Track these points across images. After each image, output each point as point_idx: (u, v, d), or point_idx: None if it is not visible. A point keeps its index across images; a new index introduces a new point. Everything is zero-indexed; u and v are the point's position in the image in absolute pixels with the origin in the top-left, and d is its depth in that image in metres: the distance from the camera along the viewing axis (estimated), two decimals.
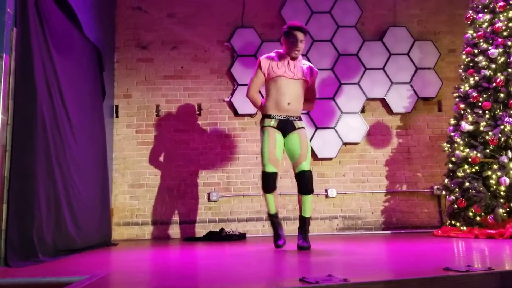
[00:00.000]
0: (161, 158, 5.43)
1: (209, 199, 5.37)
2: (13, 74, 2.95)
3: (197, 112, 5.57)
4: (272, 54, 3.86)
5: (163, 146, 5.46)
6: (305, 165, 3.68)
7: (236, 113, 5.56)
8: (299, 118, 3.81)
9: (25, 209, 2.89)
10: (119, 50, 5.61)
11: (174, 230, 5.28)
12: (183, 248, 3.95)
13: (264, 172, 3.65)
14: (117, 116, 5.49)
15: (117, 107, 5.51)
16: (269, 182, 3.65)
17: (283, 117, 3.71)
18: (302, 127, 3.81)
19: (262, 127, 3.75)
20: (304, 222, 3.70)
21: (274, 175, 3.65)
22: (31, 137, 3.01)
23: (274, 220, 3.73)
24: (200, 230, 5.26)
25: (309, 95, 3.97)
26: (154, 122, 5.51)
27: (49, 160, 3.21)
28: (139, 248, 4.15)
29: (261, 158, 3.70)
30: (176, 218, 5.31)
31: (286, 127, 3.72)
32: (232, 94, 5.56)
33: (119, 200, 5.32)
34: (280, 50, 3.87)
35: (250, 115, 5.55)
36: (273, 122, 3.70)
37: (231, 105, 5.58)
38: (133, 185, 5.37)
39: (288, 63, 3.77)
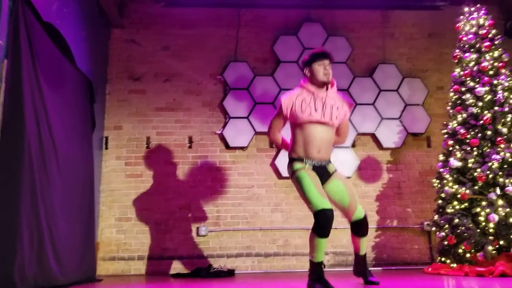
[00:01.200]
0: (150, 191, 5.38)
1: (197, 234, 5.30)
2: (1, 106, 2.94)
3: (188, 145, 5.56)
4: (296, 91, 3.45)
5: (152, 179, 5.42)
6: (361, 212, 3.39)
7: (227, 146, 5.56)
8: (330, 161, 3.43)
9: (7, 245, 2.83)
10: (111, 82, 5.64)
11: (161, 266, 5.18)
12: (168, 286, 3.87)
13: (323, 210, 3.05)
14: (106, 148, 5.47)
15: (106, 138, 5.49)
16: (328, 220, 3.05)
17: (316, 163, 3.32)
18: (336, 170, 3.44)
19: (295, 171, 3.29)
20: (364, 260, 3.53)
21: (332, 213, 3.08)
22: (18, 171, 2.98)
23: (321, 270, 3.16)
24: (188, 266, 5.17)
25: (340, 130, 3.59)
26: (144, 154, 5.49)
27: (34, 195, 3.16)
28: (123, 285, 4.06)
29: (309, 201, 3.15)
30: (163, 253, 5.22)
31: (321, 172, 3.32)
32: (223, 127, 5.58)
33: (105, 234, 5.24)
34: (304, 84, 3.48)
35: (242, 148, 5.56)
36: (307, 166, 3.29)
37: (222, 138, 5.58)
38: (120, 218, 5.30)
39: (315, 100, 3.35)
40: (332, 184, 3.35)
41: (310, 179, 3.20)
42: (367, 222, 3.44)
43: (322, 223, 3.06)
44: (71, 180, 3.97)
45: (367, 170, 5.64)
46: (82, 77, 4.56)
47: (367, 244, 5.29)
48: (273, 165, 5.53)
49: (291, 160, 3.38)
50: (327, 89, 3.44)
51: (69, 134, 3.99)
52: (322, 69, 3.40)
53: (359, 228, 3.42)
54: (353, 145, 5.67)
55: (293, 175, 3.32)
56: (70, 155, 3.98)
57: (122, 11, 5.72)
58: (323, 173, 3.34)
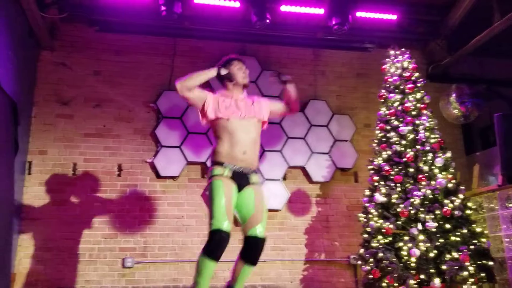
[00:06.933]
0: (74, 220, 5.12)
1: (123, 265, 5.09)
2: None
3: (117, 173, 5.39)
4: (215, 95, 3.38)
5: (77, 207, 5.17)
6: (260, 230, 3.07)
7: (158, 175, 5.44)
8: (256, 171, 3.25)
9: None
10: (37, 105, 5.39)
11: None
12: None
13: (218, 230, 2.89)
14: (29, 173, 5.17)
15: (30, 163, 5.20)
16: (222, 244, 2.90)
17: (238, 168, 3.13)
18: (257, 183, 3.25)
19: (212, 176, 3.10)
20: None
21: (228, 238, 2.93)
22: None
23: None
24: None
25: (287, 102, 3.53)
26: (70, 181, 5.24)
27: None
28: None
29: (210, 215, 2.97)
30: (86, 285, 4.96)
31: (240, 181, 3.14)
32: (155, 156, 5.47)
33: (24, 265, 4.89)
34: (221, 91, 3.45)
35: (173, 178, 5.46)
36: (226, 172, 3.09)
37: (153, 167, 5.46)
38: (40, 248, 4.97)
39: (236, 102, 3.30)
40: (246, 192, 3.16)
41: (222, 191, 3.00)
42: (261, 248, 3.09)
43: (213, 244, 2.92)
44: None
45: (296, 203, 5.72)
46: (6, 98, 4.32)
47: (294, 277, 5.40)
48: (204, 196, 5.47)
49: (211, 164, 3.21)
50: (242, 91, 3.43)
51: None
52: (241, 73, 3.40)
53: (250, 249, 3.08)
54: (284, 178, 5.74)
55: (209, 180, 3.13)
56: None
57: (53, 33, 5.53)
58: (243, 181, 3.17)
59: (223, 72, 3.35)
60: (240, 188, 3.16)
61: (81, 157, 5.34)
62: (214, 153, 3.25)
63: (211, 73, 3.36)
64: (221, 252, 2.94)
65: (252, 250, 3.08)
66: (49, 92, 5.45)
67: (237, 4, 5.37)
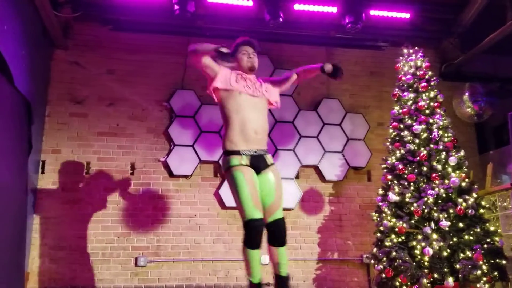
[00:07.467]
0: (87, 219, 5.15)
1: (136, 264, 5.11)
2: None
3: (130, 171, 5.41)
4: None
5: (90, 206, 5.20)
6: (279, 213, 3.14)
7: (171, 174, 5.46)
8: (267, 151, 3.28)
9: None
10: (51, 104, 5.42)
11: None
12: None
13: (251, 220, 2.94)
14: (42, 172, 5.21)
15: (43, 162, 5.23)
16: (258, 232, 2.95)
17: (254, 152, 3.14)
18: (273, 163, 3.27)
19: (231, 167, 3.09)
20: (284, 283, 3.09)
21: (263, 224, 2.99)
22: None
23: None
24: None
25: (304, 75, 3.54)
26: (83, 180, 5.27)
27: None
28: None
29: (240, 205, 3.02)
30: (98, 284, 4.98)
31: (258, 163, 3.15)
32: (168, 154, 5.48)
33: (37, 264, 4.92)
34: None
35: (186, 177, 5.47)
36: (244, 160, 3.09)
37: (166, 166, 5.48)
38: (53, 247, 5.01)
39: (245, 79, 3.30)
40: (266, 177, 3.18)
41: (245, 182, 3.02)
42: (284, 227, 3.15)
43: (250, 234, 2.97)
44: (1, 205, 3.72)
45: (309, 202, 5.70)
46: (20, 97, 4.35)
47: (307, 276, 5.39)
48: (216, 195, 5.48)
49: (227, 153, 3.17)
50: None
51: (1, 156, 3.76)
52: (245, 57, 3.36)
53: (275, 233, 3.11)
54: (297, 177, 5.73)
55: (228, 171, 3.13)
56: (1, 180, 3.74)
57: (66, 32, 5.57)
58: (261, 163, 3.18)
59: (224, 50, 3.19)
60: (258, 171, 3.16)
61: (94, 156, 5.37)
62: (226, 140, 3.20)
63: (210, 47, 3.24)
64: (259, 240, 2.98)
65: (277, 233, 3.11)
66: (62, 91, 5.49)
67: (250, 3, 5.38)
